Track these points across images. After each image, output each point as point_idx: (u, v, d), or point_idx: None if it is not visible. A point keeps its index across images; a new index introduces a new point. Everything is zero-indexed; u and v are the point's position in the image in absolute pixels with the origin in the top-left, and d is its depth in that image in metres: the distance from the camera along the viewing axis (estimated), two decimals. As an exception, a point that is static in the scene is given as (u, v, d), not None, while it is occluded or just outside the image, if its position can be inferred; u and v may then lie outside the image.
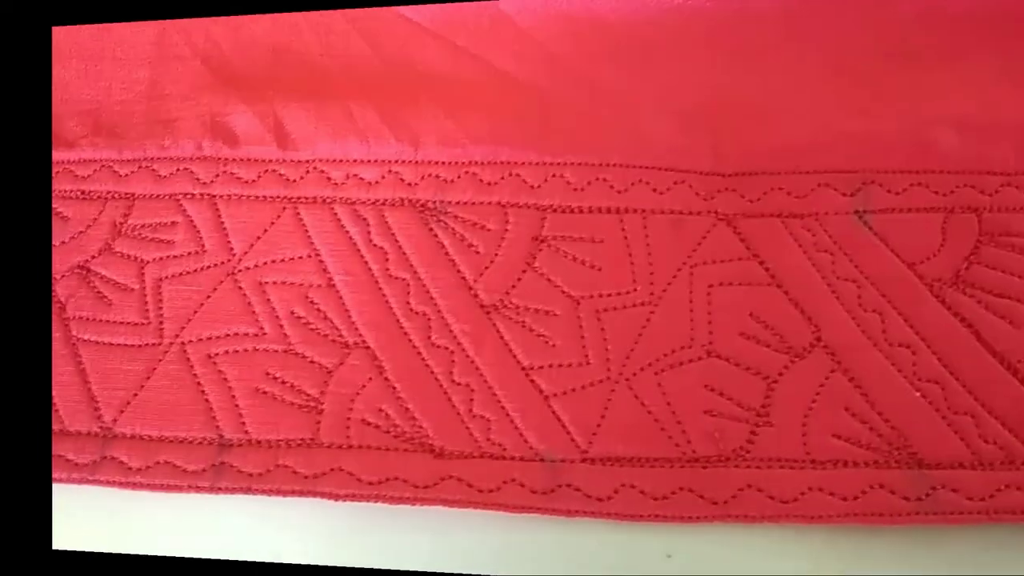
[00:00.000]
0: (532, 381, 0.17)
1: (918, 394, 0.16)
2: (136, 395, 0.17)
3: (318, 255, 0.18)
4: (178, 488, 0.16)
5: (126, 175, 0.19)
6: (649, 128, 0.19)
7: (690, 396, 0.17)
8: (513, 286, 0.18)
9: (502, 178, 0.18)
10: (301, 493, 0.16)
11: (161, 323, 0.18)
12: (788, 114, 0.19)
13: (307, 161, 0.19)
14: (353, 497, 0.16)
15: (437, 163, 0.18)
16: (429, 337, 0.17)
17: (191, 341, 0.18)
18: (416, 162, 0.18)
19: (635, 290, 0.18)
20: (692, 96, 0.19)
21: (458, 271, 0.18)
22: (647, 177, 0.18)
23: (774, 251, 0.18)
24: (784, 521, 0.16)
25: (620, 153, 0.18)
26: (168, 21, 0.20)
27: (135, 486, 0.17)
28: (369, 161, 0.19)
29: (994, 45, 0.19)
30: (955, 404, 0.16)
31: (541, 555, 0.17)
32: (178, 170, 0.19)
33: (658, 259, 0.18)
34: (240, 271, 0.18)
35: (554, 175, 0.18)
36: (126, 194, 0.19)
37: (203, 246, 0.18)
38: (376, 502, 0.16)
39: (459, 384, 0.17)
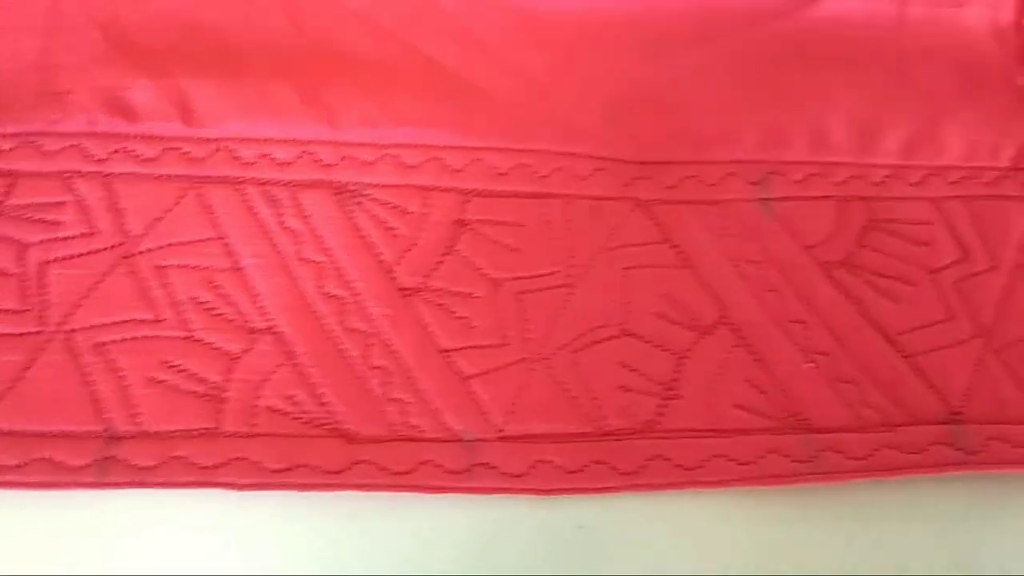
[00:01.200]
0: (451, 363, 0.16)
1: (809, 365, 0.17)
2: (12, 388, 0.15)
3: (224, 238, 0.16)
4: (57, 485, 0.14)
5: (8, 150, 0.17)
6: (572, 116, 0.18)
7: (605, 373, 0.16)
8: (434, 269, 0.17)
9: (424, 161, 0.17)
10: (197, 484, 0.14)
11: (45, 310, 0.16)
12: (700, 108, 0.19)
13: (215, 139, 0.17)
14: (256, 486, 0.15)
15: (357, 144, 0.17)
16: (345, 321, 0.16)
17: (79, 329, 0.15)
18: (334, 142, 0.17)
19: (555, 272, 0.17)
20: (613, 87, 0.19)
21: (377, 254, 0.17)
22: (569, 163, 0.18)
23: (686, 235, 0.18)
24: (688, 487, 0.16)
25: (543, 139, 0.18)
26: (63, -11, 0.18)
27: (9, 485, 0.14)
28: (283, 140, 0.17)
29: (887, 51, 0.20)
30: (841, 373, 0.17)
31: (454, 533, 0.15)
32: (68, 146, 0.17)
33: (578, 243, 0.17)
34: (136, 254, 0.16)
35: (477, 159, 0.18)
36: (8, 171, 0.17)
37: (95, 227, 0.16)
38: (282, 490, 0.15)
39: (376, 368, 0.16)
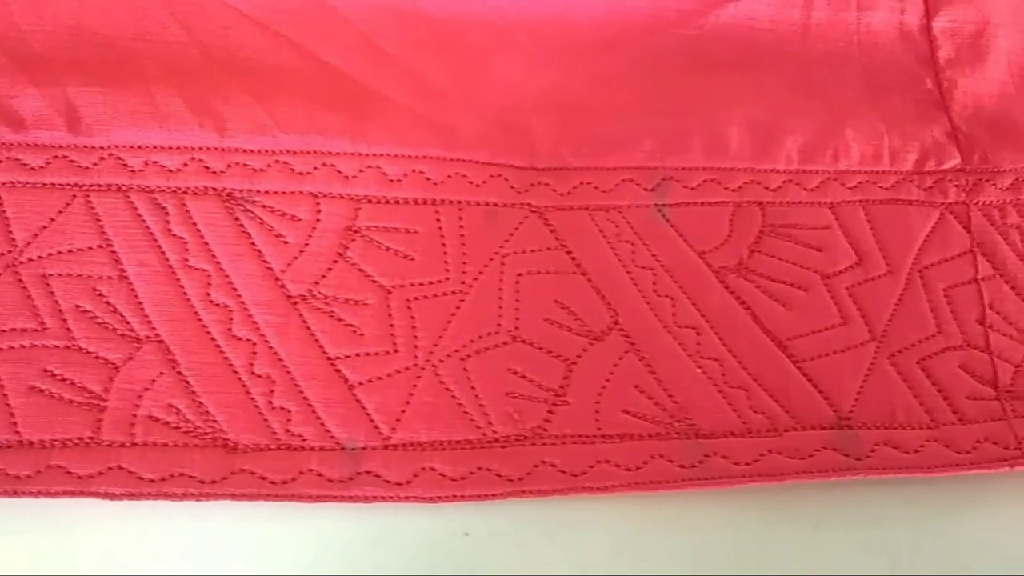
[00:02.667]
0: (337, 371, 0.16)
1: (699, 371, 0.17)
2: None
3: (110, 245, 0.16)
4: (-77, 498, 0.14)
5: None
6: (468, 123, 0.18)
7: (494, 379, 0.16)
8: (323, 276, 0.17)
9: (315, 168, 0.17)
10: (74, 494, 0.14)
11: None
12: (597, 114, 0.19)
13: (102, 147, 0.17)
14: (132, 496, 0.15)
15: (245, 151, 0.17)
16: (230, 329, 0.16)
17: (-42, 340, 0.16)
18: (222, 149, 0.17)
19: (447, 279, 0.17)
20: (510, 94, 0.19)
21: (264, 262, 0.16)
22: (464, 170, 0.18)
23: (580, 241, 0.18)
24: (574, 494, 0.16)
25: (438, 146, 0.18)
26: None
27: None
28: (170, 148, 0.17)
29: (791, 57, 0.20)
30: (731, 379, 0.17)
31: (339, 540, 0.15)
32: (-48, 156, 0.17)
33: (471, 249, 0.17)
34: (21, 263, 0.16)
35: (369, 166, 0.17)
36: None
37: (-21, 237, 0.17)
38: (158, 499, 0.15)
39: (259, 376, 0.16)
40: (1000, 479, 0.18)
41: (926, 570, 0.17)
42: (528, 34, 0.19)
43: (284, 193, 0.17)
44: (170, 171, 0.17)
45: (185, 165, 0.17)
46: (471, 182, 0.18)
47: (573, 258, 0.18)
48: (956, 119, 0.20)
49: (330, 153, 0.17)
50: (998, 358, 0.18)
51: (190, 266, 0.16)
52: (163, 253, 0.16)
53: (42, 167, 0.17)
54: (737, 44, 0.20)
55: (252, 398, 0.16)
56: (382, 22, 0.19)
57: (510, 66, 0.19)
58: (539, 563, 0.16)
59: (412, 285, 0.17)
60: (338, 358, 0.16)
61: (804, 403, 0.17)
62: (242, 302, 0.16)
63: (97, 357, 0.15)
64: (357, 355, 0.16)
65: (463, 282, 0.17)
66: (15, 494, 0.14)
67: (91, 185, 0.17)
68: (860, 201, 0.19)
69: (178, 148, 0.17)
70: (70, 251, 0.16)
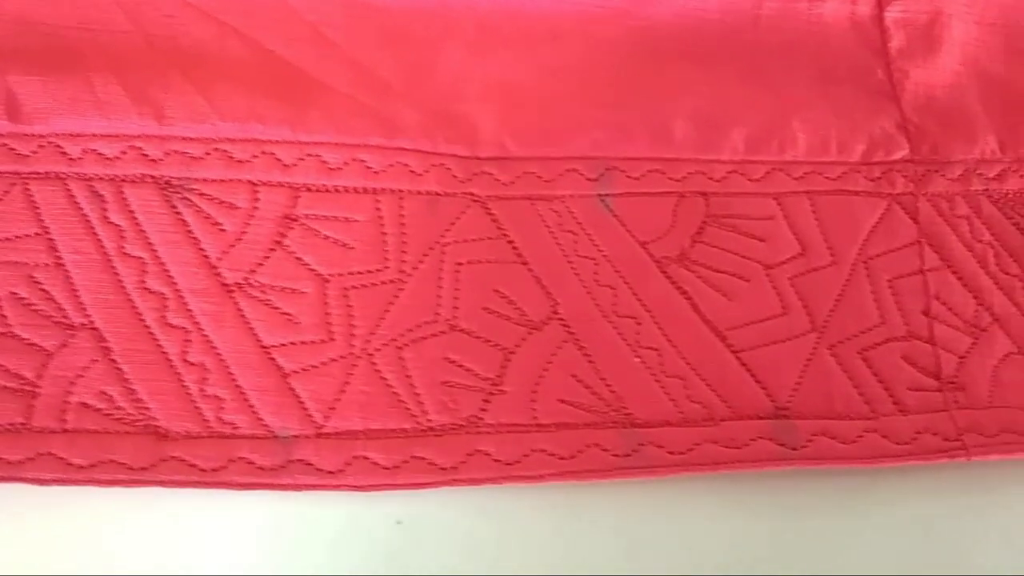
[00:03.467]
0: (272, 359, 0.16)
1: (637, 360, 0.17)
2: None
3: (48, 233, 0.16)
4: None
5: None
6: (410, 112, 0.18)
7: (430, 368, 0.16)
8: (260, 264, 0.17)
9: (254, 156, 0.17)
10: (3, 479, 0.14)
11: None
12: (542, 104, 0.19)
13: (41, 135, 0.17)
14: (61, 482, 0.15)
15: (184, 139, 0.17)
16: (164, 317, 0.16)
17: None
18: (160, 137, 0.17)
19: (386, 268, 0.17)
20: (455, 84, 0.19)
21: (200, 250, 0.16)
22: (405, 159, 0.18)
23: (522, 231, 0.18)
24: (507, 482, 0.16)
25: (379, 135, 0.18)
26: None
27: None
28: (109, 136, 0.17)
29: (740, 47, 0.20)
30: (669, 368, 0.17)
31: (268, 528, 0.15)
32: None
33: (411, 238, 0.17)
34: None
35: (309, 154, 0.17)
36: None
37: (-86, 226, 0.17)
38: (87, 485, 0.15)
39: (193, 364, 0.16)
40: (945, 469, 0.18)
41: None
42: (475, 24, 0.19)
43: (222, 181, 0.17)
44: (108, 159, 0.17)
45: (123, 153, 0.17)
46: (413, 171, 0.18)
47: (514, 248, 0.17)
48: (907, 109, 0.20)
49: (270, 141, 0.17)
50: (942, 349, 0.18)
51: (126, 254, 0.16)
52: (99, 241, 0.16)
53: (-19, 155, 0.17)
54: (686, 34, 0.20)
55: (185, 386, 0.16)
56: (329, 11, 0.19)
57: (456, 56, 0.19)
58: (472, 552, 0.16)
59: (350, 274, 0.17)
60: (273, 346, 0.16)
61: (741, 393, 0.17)
62: (177, 290, 0.16)
63: (31, 344, 0.15)
64: (292, 344, 0.16)
65: (402, 271, 0.17)
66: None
67: (30, 173, 0.17)
68: (806, 192, 0.19)
69: (117, 136, 0.17)
70: (7, 239, 0.16)
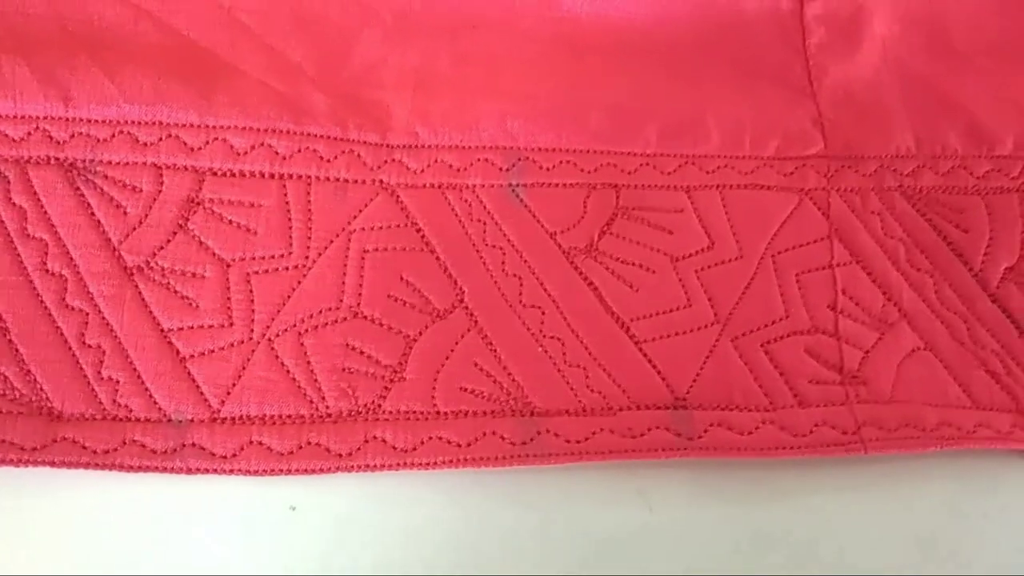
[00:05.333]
0: (170, 343, 0.16)
1: (541, 349, 0.17)
2: None
3: None
4: None
5: None
6: (321, 98, 0.18)
7: (330, 355, 0.16)
8: (161, 247, 0.17)
9: (160, 139, 0.17)
10: None
11: None
12: (457, 93, 0.19)
13: None
14: None
15: (89, 121, 0.17)
16: (63, 299, 0.16)
17: None
18: (66, 119, 0.17)
19: (289, 254, 0.17)
20: (369, 71, 0.19)
21: (103, 232, 0.16)
22: (314, 144, 0.18)
23: (431, 219, 0.18)
24: (403, 469, 0.16)
25: (288, 120, 0.18)
26: None
27: None
28: (15, 117, 0.17)
29: (659, 40, 0.20)
30: (571, 358, 0.17)
31: (163, 511, 0.15)
32: None
33: (318, 224, 0.17)
34: None
35: (216, 138, 0.17)
36: None
37: None
38: None
39: (90, 346, 0.16)
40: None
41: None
42: (392, 12, 0.19)
43: (126, 164, 0.17)
44: (14, 140, 0.17)
45: (29, 135, 0.17)
46: (321, 157, 0.18)
47: (422, 236, 0.17)
48: (823, 105, 0.20)
49: (176, 124, 0.17)
50: (846, 343, 0.18)
51: (28, 235, 0.16)
52: (2, 222, 0.16)
53: None
54: (605, 27, 0.20)
55: (81, 368, 0.16)
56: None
57: (371, 43, 0.19)
58: (365, 537, 0.16)
59: (253, 259, 0.17)
60: (171, 330, 0.16)
61: (641, 383, 0.17)
62: (78, 272, 0.16)
63: (-73, 325, 0.16)
64: (191, 328, 0.16)
65: (307, 257, 0.17)
66: None
67: (-66, 154, 0.17)
68: (717, 186, 0.19)
69: (23, 118, 0.17)
70: (-91, 220, 0.17)
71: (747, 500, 0.17)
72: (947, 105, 0.20)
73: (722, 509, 0.17)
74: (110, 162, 0.17)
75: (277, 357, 0.16)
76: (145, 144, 0.17)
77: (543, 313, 0.17)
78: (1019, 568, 0.17)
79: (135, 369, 0.16)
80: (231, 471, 0.15)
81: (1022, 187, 0.20)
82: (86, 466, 0.15)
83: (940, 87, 0.20)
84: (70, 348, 0.16)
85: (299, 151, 0.18)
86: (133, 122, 0.17)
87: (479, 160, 0.18)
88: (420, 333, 0.17)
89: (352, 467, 0.16)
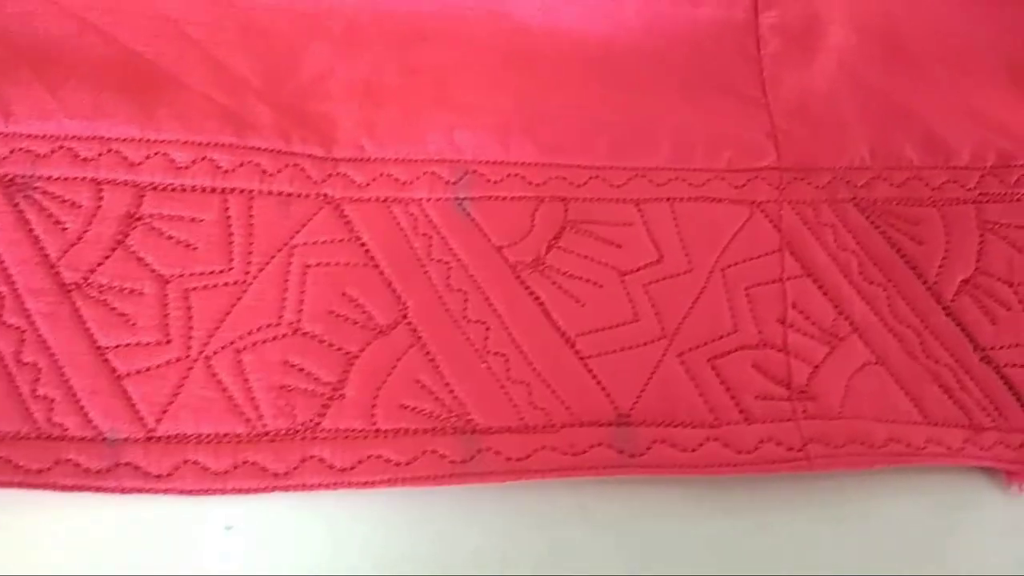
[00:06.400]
0: (106, 360, 0.16)
1: (484, 365, 0.17)
2: None
3: None
4: None
5: None
6: (265, 111, 0.18)
7: (269, 373, 0.16)
8: (100, 264, 0.16)
9: (100, 154, 0.17)
10: None
11: None
12: (403, 106, 0.19)
13: None
14: None
15: (29, 136, 0.17)
16: (0, 316, 0.16)
17: None
18: (5, 135, 0.17)
19: (230, 269, 0.17)
20: (316, 83, 0.18)
21: (41, 248, 0.16)
22: (257, 158, 0.17)
23: (376, 234, 0.17)
24: (341, 488, 0.16)
25: (230, 133, 0.17)
26: None
27: None
28: None
29: (610, 51, 0.20)
30: (515, 374, 0.17)
31: (97, 532, 0.15)
32: None
33: (259, 240, 0.17)
34: None
35: (157, 152, 0.17)
36: None
37: None
38: None
39: (25, 364, 0.16)
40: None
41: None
42: (343, 22, 0.19)
43: (66, 179, 0.17)
44: (-48, 156, 0.17)
45: (-33, 150, 0.17)
46: (265, 171, 0.17)
47: (366, 250, 0.17)
48: (777, 116, 0.20)
49: (116, 139, 0.17)
50: (794, 358, 0.18)
51: (-35, 252, 0.17)
52: (-61, 239, 0.17)
53: None
54: (556, 38, 0.19)
55: (16, 386, 0.15)
56: (194, 8, 0.19)
57: (319, 55, 0.19)
58: (303, 559, 0.16)
59: (192, 275, 0.17)
60: (108, 348, 0.16)
61: (585, 399, 0.17)
62: (15, 289, 0.16)
63: None
64: (128, 345, 0.16)
65: (247, 272, 0.17)
66: None
67: None
68: (667, 199, 0.18)
69: (-39, 133, 0.17)
70: None
71: (692, 517, 0.17)
72: (903, 115, 0.20)
73: (668, 525, 0.17)
74: (49, 178, 0.17)
75: (214, 375, 0.16)
76: (85, 159, 0.17)
77: (488, 329, 0.17)
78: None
79: (70, 387, 0.16)
80: (166, 490, 0.15)
81: (979, 198, 0.19)
82: (19, 485, 0.15)
83: (896, 97, 0.20)
84: (6, 366, 0.15)
85: (242, 165, 0.17)
86: (73, 137, 0.17)
87: (426, 173, 0.18)
88: (362, 350, 0.17)
89: (289, 486, 0.15)
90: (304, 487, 0.15)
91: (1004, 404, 0.18)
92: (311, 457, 0.16)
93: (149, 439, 0.15)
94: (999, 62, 0.21)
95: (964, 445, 0.17)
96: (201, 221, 0.17)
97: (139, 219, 0.17)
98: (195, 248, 0.17)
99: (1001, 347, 0.18)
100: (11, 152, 0.17)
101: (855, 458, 0.17)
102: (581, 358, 0.17)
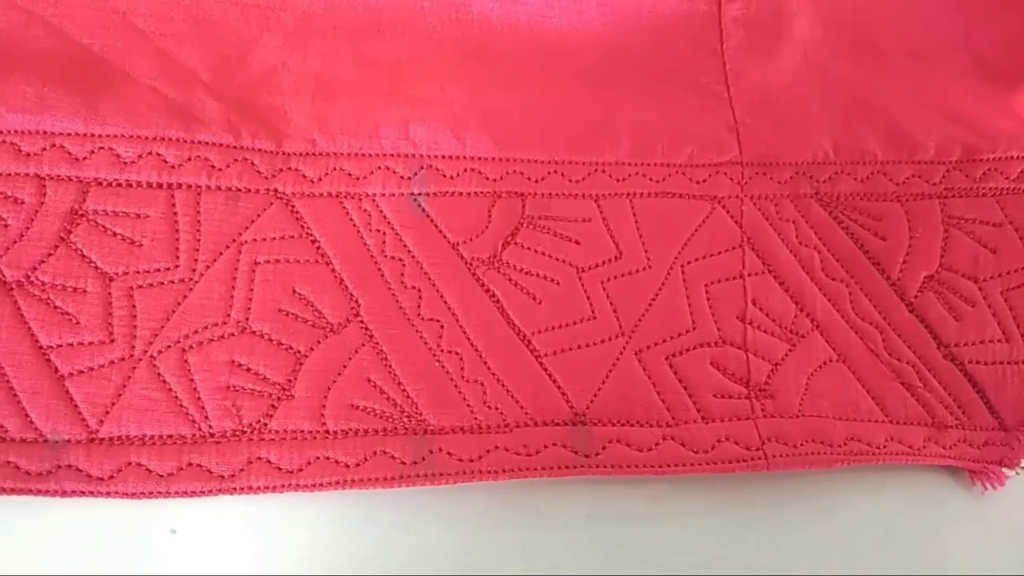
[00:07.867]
0: (48, 360, 0.15)
1: (438, 364, 0.16)
2: None
3: None
4: None
5: None
6: (214, 105, 0.17)
7: (215, 372, 0.16)
8: (42, 261, 0.16)
9: (43, 149, 0.16)
10: None
11: None
12: (358, 99, 0.18)
13: None
14: None
15: None
16: (-62, 316, 0.16)
17: None
18: None
19: (176, 267, 0.16)
20: (267, 77, 0.18)
21: (-18, 246, 0.16)
22: (205, 153, 0.17)
23: (327, 229, 0.17)
24: (288, 490, 0.15)
25: (177, 128, 0.17)
26: None
27: None
28: None
29: (569, 49, 0.19)
30: (469, 373, 0.17)
31: (42, 536, 0.15)
32: None
33: (207, 236, 0.17)
34: None
35: (102, 147, 0.17)
36: None
37: None
38: None
39: (-36, 365, 0.16)
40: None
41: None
42: (295, 15, 0.18)
43: (9, 175, 0.16)
44: None
45: (-94, 147, 0.17)
46: (213, 166, 0.17)
47: (317, 247, 0.17)
48: (739, 110, 0.19)
49: (60, 134, 0.16)
50: (754, 355, 0.17)
51: (-98, 250, 0.16)
52: None
53: None
54: (514, 30, 0.19)
55: (-45, 387, 0.16)
56: (143, 1, 0.18)
57: (271, 47, 0.18)
58: (246, 561, 0.15)
59: (137, 272, 0.16)
60: (50, 347, 0.15)
61: (540, 399, 0.16)
62: (-47, 288, 0.16)
63: None
64: (71, 345, 0.16)
65: (193, 270, 0.16)
66: None
67: None
68: (627, 194, 0.18)
69: (-99, 129, 0.17)
70: None
71: (648, 518, 0.17)
72: (868, 109, 0.20)
73: (622, 527, 0.16)
74: (-10, 173, 0.17)
75: (159, 375, 0.16)
76: (28, 154, 0.16)
77: (442, 327, 0.17)
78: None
79: (11, 388, 0.15)
80: (108, 493, 0.15)
81: (944, 193, 0.19)
82: (-44, 489, 0.15)
83: (861, 91, 0.20)
84: (-57, 368, 0.16)
85: (189, 160, 0.17)
86: (16, 131, 0.16)
87: (380, 168, 0.18)
88: (311, 349, 0.16)
89: (235, 489, 0.15)
90: (250, 489, 0.15)
91: (968, 402, 0.18)
92: (258, 459, 0.15)
93: (91, 441, 0.15)
94: (966, 56, 0.20)
95: (926, 444, 0.17)
96: (147, 217, 0.16)
97: (83, 215, 0.16)
98: (140, 245, 0.16)
99: (965, 344, 0.18)
100: (-48, 148, 0.17)
101: (814, 457, 0.17)
102: (537, 356, 0.17)
